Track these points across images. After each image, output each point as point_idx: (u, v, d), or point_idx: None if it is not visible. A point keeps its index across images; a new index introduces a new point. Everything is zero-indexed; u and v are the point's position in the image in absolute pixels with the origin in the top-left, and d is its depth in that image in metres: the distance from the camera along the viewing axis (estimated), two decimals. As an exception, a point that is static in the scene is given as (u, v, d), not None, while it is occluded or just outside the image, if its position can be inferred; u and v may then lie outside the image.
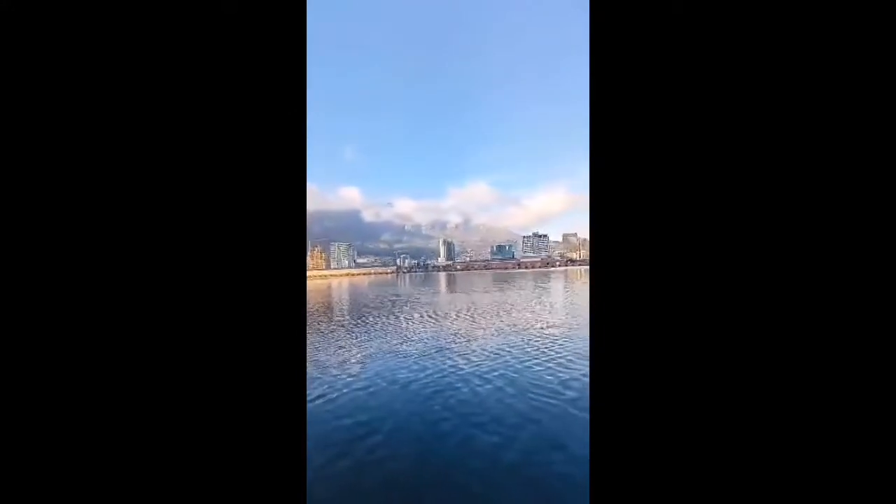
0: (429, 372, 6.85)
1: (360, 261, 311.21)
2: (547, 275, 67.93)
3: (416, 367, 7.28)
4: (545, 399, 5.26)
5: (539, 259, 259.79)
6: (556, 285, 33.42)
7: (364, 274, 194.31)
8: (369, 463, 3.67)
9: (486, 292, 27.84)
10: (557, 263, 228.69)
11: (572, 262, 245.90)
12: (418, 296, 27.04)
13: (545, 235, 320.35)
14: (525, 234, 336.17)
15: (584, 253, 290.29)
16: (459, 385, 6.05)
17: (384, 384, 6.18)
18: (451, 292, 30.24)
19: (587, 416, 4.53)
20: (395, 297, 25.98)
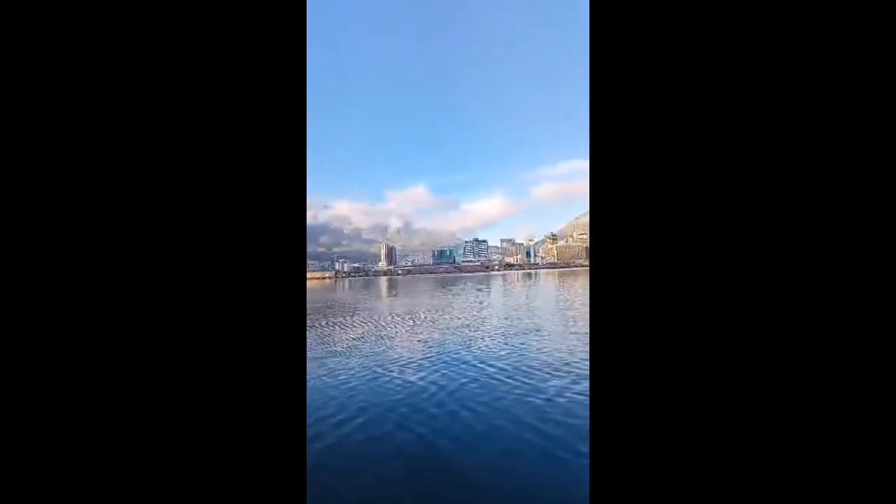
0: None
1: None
2: (487, 279, 69.86)
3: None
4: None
5: (479, 263, 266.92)
6: (494, 289, 34.59)
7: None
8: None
9: (429, 296, 27.84)
10: (496, 267, 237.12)
11: (510, 266, 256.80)
12: (360, 302, 26.16)
13: (485, 240, 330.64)
14: (466, 239, 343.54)
15: (521, 258, 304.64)
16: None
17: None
18: (392, 297, 29.75)
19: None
20: (332, 306, 24.85)
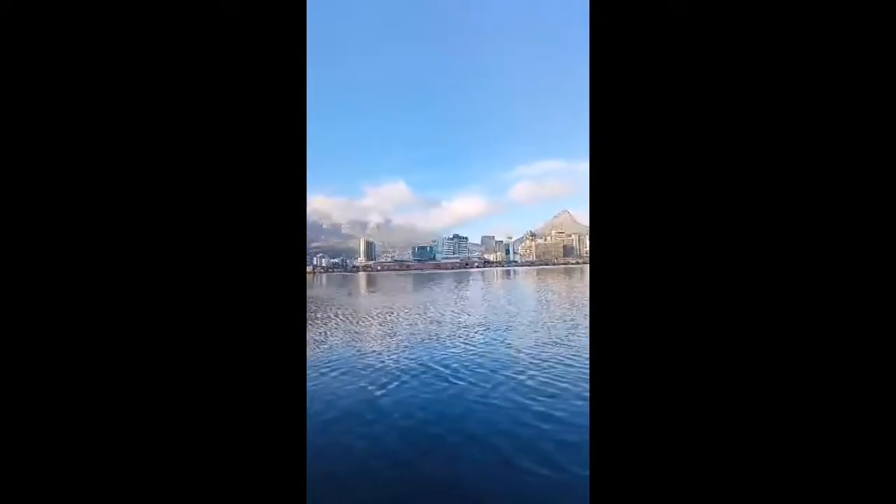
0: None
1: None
2: (466, 275, 70.25)
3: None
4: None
5: (459, 260, 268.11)
6: (473, 286, 35.02)
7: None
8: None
9: (406, 294, 27.66)
10: (476, 264, 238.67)
11: (489, 263, 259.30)
12: (337, 299, 25.74)
13: (465, 238, 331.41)
14: (446, 236, 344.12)
15: (500, 255, 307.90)
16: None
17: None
18: (371, 293, 29.40)
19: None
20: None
